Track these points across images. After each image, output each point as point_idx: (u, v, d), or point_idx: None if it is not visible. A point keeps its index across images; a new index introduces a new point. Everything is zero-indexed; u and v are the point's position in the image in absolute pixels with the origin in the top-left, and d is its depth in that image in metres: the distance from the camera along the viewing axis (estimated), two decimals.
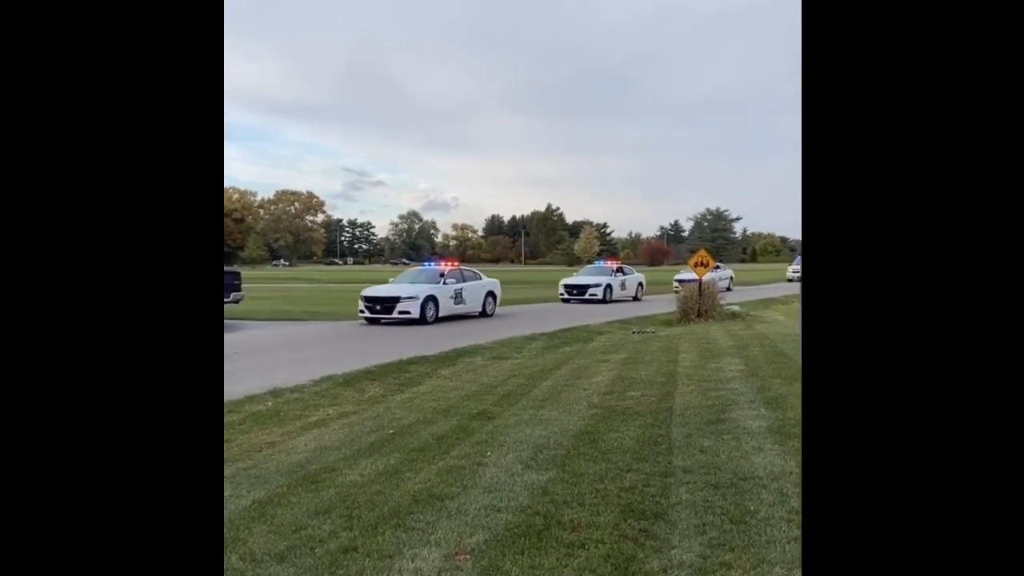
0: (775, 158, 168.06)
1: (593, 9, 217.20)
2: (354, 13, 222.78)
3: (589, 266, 30.35)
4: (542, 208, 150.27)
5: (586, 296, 24.41)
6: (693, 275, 28.96)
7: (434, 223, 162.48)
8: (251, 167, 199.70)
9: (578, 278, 26.27)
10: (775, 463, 4.47)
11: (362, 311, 16.82)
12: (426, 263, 21.46)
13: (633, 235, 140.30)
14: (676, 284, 28.60)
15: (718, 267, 30.23)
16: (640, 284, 27.02)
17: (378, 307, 16.64)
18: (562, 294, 25.30)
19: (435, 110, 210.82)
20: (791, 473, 4.22)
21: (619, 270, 26.73)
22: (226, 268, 21.38)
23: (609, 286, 24.86)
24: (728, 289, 29.26)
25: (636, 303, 25.13)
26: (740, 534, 3.37)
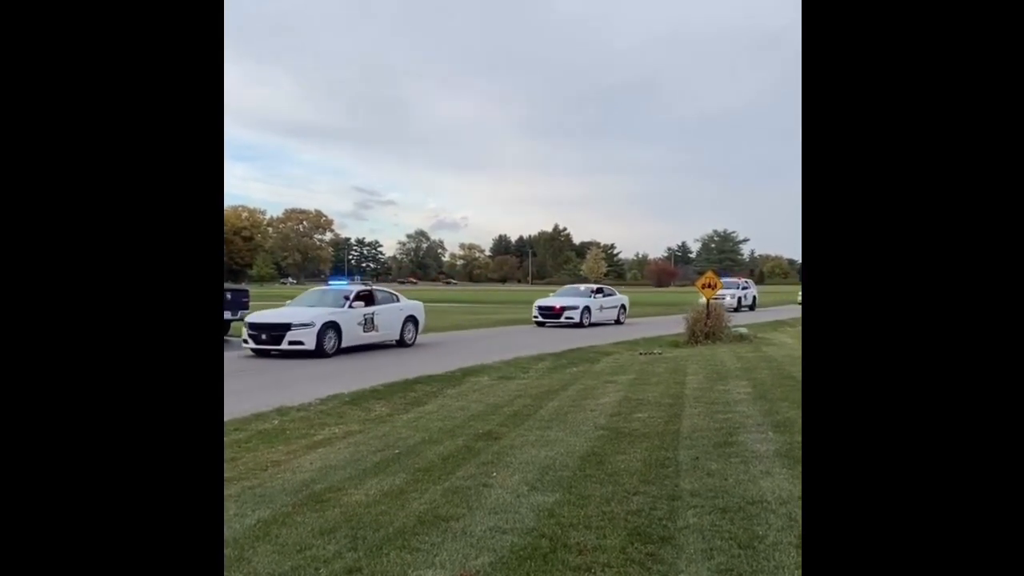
0: (783, 180, 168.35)
1: (604, 34, 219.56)
2: (368, 38, 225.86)
3: (313, 290, 18.24)
4: (550, 228, 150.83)
5: (284, 345, 13.48)
6: (558, 301, 23.25)
7: (441, 242, 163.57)
8: (264, 186, 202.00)
9: (280, 312, 14.62)
10: (784, 487, 4.43)
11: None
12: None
13: (640, 256, 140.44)
14: (536, 314, 23.36)
15: (600, 291, 25.12)
16: (413, 319, 16.50)
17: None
18: (245, 340, 13.84)
19: (446, 132, 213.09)
20: (800, 498, 4.18)
21: (364, 297, 15.35)
22: (235, 286, 21.44)
23: (331, 326, 13.91)
24: (618, 321, 24.55)
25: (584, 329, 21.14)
26: (748, 559, 3.34)
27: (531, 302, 25.85)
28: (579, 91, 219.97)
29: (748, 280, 39.18)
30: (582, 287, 26.17)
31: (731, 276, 40.96)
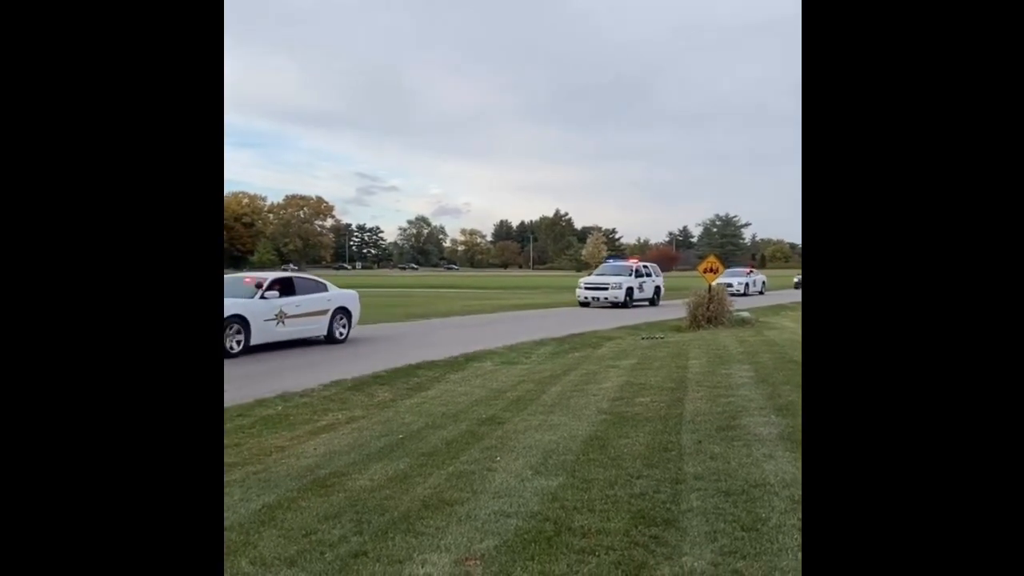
0: (784, 165, 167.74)
1: (608, 25, 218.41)
2: (374, 26, 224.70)
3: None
4: (551, 214, 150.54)
5: None
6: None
7: (442, 228, 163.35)
8: (267, 172, 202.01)
9: None
10: (786, 470, 4.44)
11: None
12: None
13: (642, 240, 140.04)
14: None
15: (281, 285, 12.38)
16: (344, 311, 13.69)
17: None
18: None
19: (450, 119, 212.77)
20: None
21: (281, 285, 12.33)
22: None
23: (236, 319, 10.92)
24: (330, 337, 13.23)
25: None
26: (752, 542, 3.35)
27: (537, 287, 23.86)
28: (582, 81, 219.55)
29: (649, 265, 28.08)
30: (248, 277, 13.50)
31: (622, 260, 30.41)
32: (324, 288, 13.85)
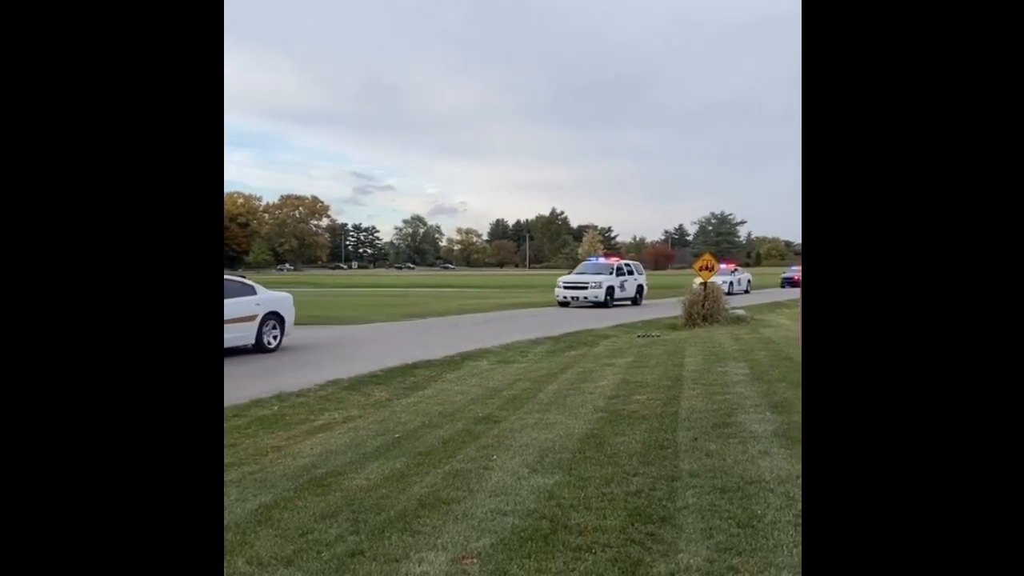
0: (779, 163, 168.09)
1: (605, 25, 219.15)
2: (373, 25, 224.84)
3: None
4: (547, 213, 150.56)
5: None
6: None
7: (438, 227, 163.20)
8: (264, 173, 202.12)
9: None
10: (782, 467, 4.46)
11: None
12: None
13: (637, 239, 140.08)
14: None
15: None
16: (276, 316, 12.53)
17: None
18: None
19: (447, 118, 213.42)
20: (798, 477, 4.21)
21: None
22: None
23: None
24: (261, 348, 11.43)
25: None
26: (747, 538, 3.37)
27: (532, 286, 23.13)
28: (581, 80, 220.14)
29: (632, 263, 27.25)
30: None
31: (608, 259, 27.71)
32: (252, 291, 12.33)
